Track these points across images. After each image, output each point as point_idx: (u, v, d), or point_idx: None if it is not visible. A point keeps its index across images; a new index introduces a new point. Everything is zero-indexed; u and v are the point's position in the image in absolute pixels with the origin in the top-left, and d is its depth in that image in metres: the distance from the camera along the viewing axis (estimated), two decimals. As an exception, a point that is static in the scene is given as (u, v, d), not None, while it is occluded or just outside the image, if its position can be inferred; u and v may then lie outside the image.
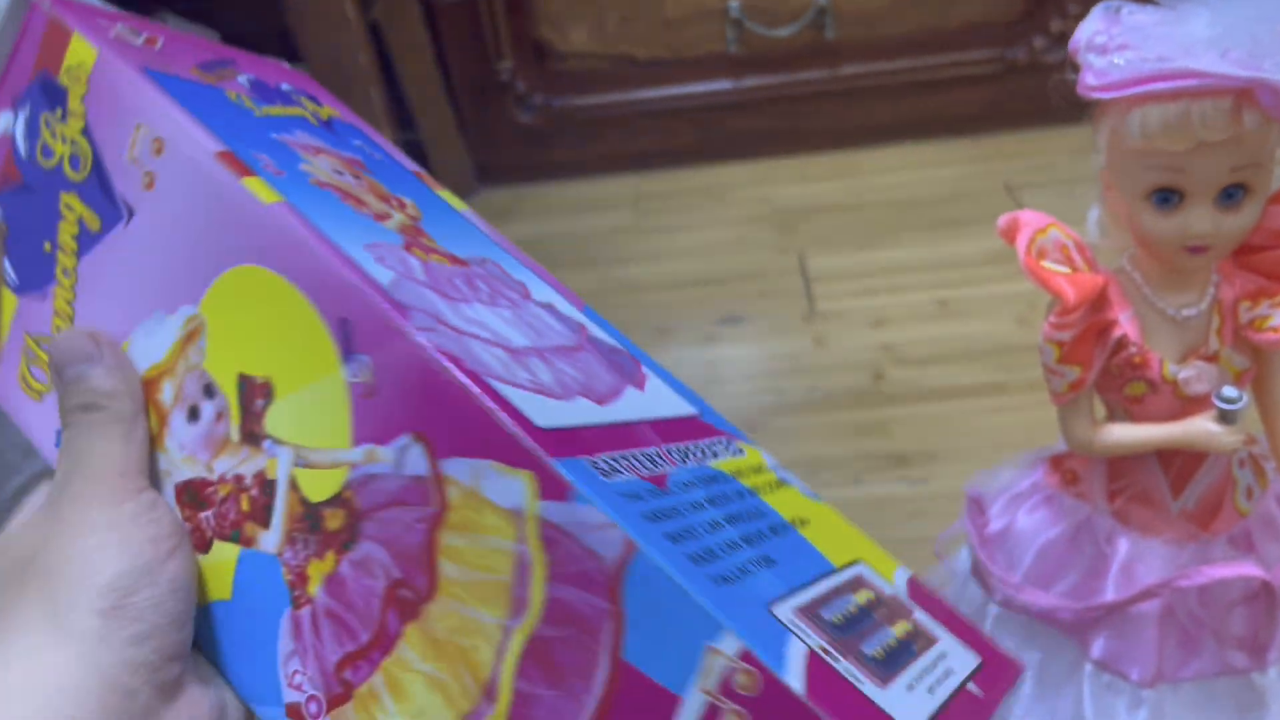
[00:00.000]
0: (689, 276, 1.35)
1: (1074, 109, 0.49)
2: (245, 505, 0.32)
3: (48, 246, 0.37)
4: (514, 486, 0.30)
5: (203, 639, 0.33)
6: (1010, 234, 0.52)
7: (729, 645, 0.25)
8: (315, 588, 0.31)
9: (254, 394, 0.34)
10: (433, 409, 0.31)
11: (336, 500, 0.32)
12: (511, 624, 0.30)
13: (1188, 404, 0.52)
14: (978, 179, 1.43)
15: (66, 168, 0.37)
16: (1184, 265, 0.50)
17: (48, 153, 0.37)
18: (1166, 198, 0.47)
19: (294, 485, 0.32)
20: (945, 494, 0.90)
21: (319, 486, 0.32)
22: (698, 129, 1.62)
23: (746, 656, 0.25)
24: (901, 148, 1.54)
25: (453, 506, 0.30)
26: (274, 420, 0.33)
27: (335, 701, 0.31)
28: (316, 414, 0.33)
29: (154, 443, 0.35)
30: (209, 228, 0.34)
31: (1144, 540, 0.55)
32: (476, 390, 0.29)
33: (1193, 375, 0.51)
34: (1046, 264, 0.50)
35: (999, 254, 1.28)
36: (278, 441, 0.33)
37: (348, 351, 0.32)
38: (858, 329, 1.18)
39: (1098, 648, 0.54)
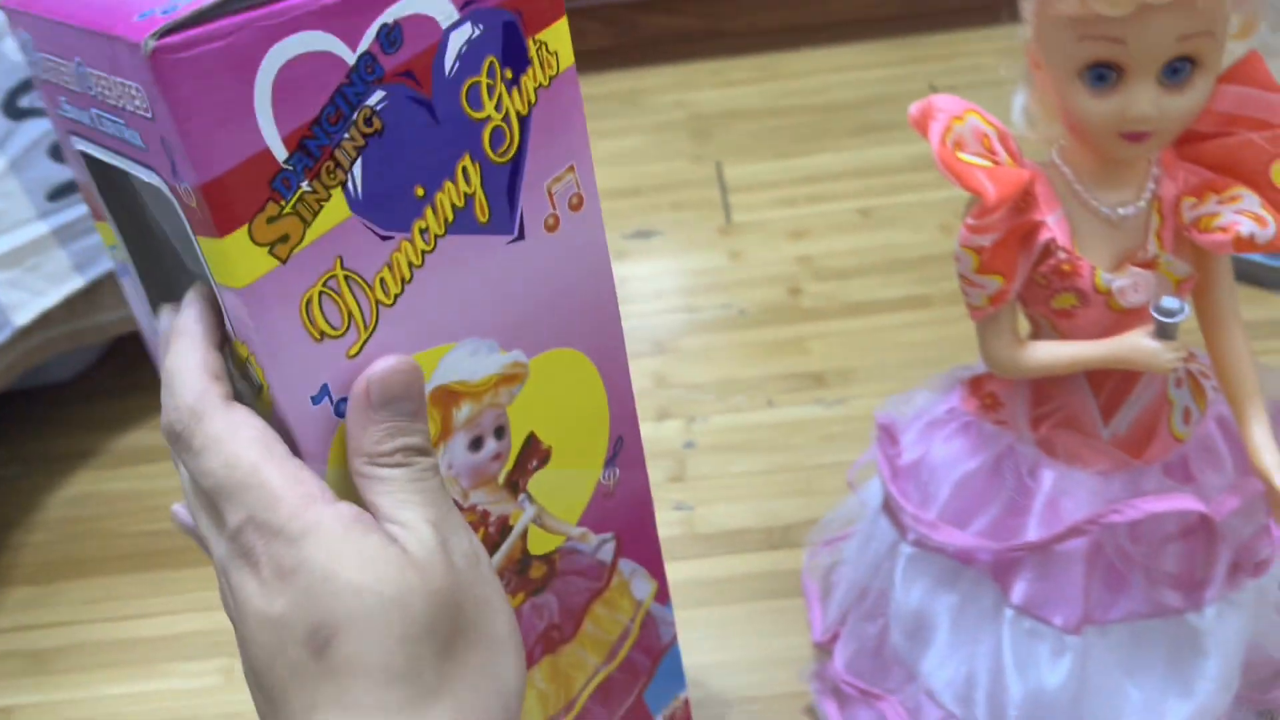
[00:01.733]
0: (602, 188, 1.25)
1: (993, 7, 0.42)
2: (480, 537, 0.35)
3: (420, 192, 0.32)
4: (646, 588, 0.46)
5: None
6: (923, 123, 0.44)
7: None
8: None
9: (534, 454, 0.38)
10: (632, 527, 0.43)
11: (546, 558, 0.40)
12: (602, 667, 0.44)
13: (1122, 317, 0.46)
14: (902, 82, 1.35)
15: (487, 137, 0.33)
16: (1121, 155, 0.43)
17: (476, 101, 0.33)
18: (1103, 75, 0.40)
19: (523, 536, 0.39)
20: (862, 416, 0.84)
21: (541, 543, 0.39)
22: (611, 29, 1.51)
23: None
24: (823, 50, 1.45)
25: (611, 588, 0.43)
26: (537, 481, 0.38)
27: None
28: (568, 491, 0.40)
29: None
30: (578, 306, 0.37)
31: (1071, 471, 0.49)
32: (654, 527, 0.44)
33: (1128, 284, 0.44)
34: (964, 156, 0.43)
35: (924, 159, 1.20)
36: (531, 499, 0.38)
37: (611, 460, 0.40)
38: (776, 241, 1.11)
39: (1019, 591, 0.49)
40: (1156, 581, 0.48)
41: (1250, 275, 0.92)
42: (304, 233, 0.30)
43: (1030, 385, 0.50)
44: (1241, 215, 0.41)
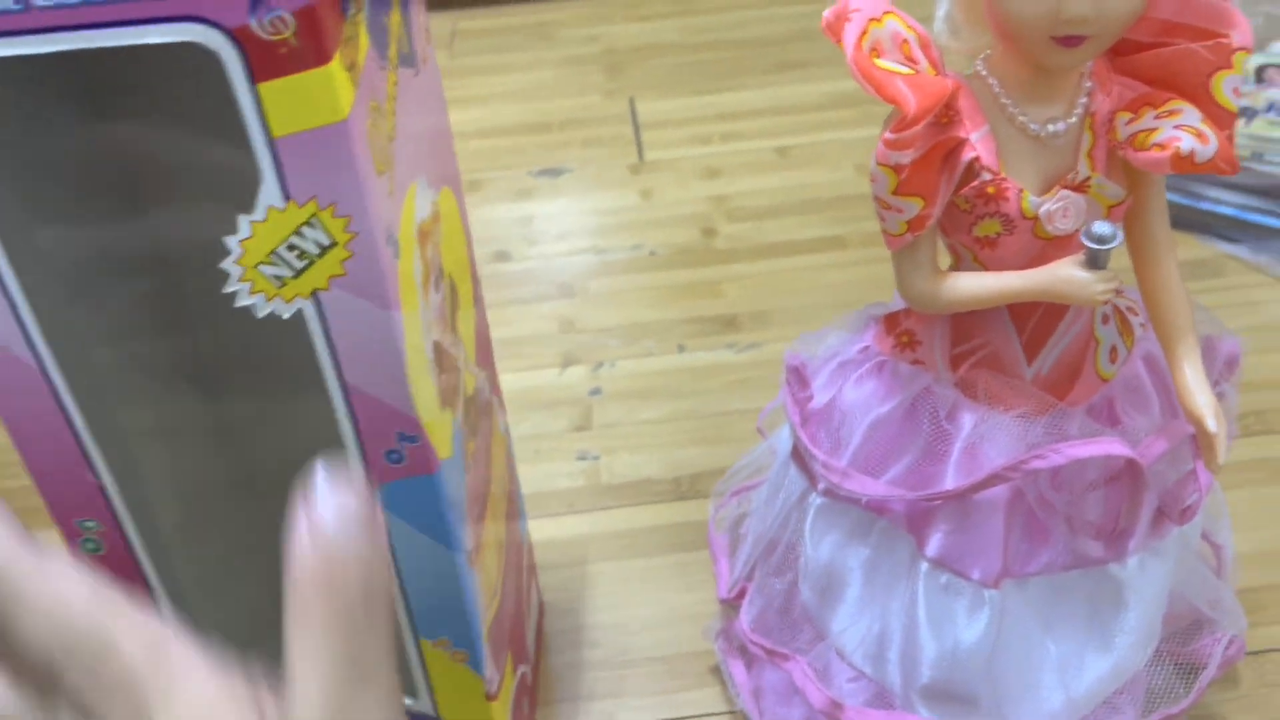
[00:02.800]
0: (506, 124, 1.19)
1: None
2: (454, 382, 0.38)
3: (384, 20, 0.32)
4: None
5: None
6: (836, 26, 0.39)
7: None
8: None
9: (454, 293, 0.39)
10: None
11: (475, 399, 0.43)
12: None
13: (1049, 246, 0.42)
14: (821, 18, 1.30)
15: None
16: (1053, 63, 0.39)
17: None
18: (1036, -31, 0.36)
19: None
20: (776, 360, 0.79)
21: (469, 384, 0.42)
22: (520, -42, 1.43)
23: None
24: (743, -18, 1.40)
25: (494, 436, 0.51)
26: (461, 322, 0.40)
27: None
28: (467, 331, 0.41)
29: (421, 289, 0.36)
30: (444, 143, 0.39)
31: (991, 414, 0.45)
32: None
33: (1057, 209, 0.41)
34: (881, 63, 0.38)
35: (843, 97, 1.17)
36: (458, 341, 0.40)
37: (476, 299, 0.43)
38: (689, 180, 1.06)
39: (935, 543, 0.45)
40: (1078, 531, 0.45)
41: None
42: (356, 58, 0.28)
43: (949, 322, 0.47)
44: (1181, 130, 0.38)
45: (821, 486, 0.47)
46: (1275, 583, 0.62)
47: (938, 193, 0.40)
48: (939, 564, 0.45)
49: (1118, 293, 0.47)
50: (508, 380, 0.84)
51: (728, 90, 1.19)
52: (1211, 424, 0.41)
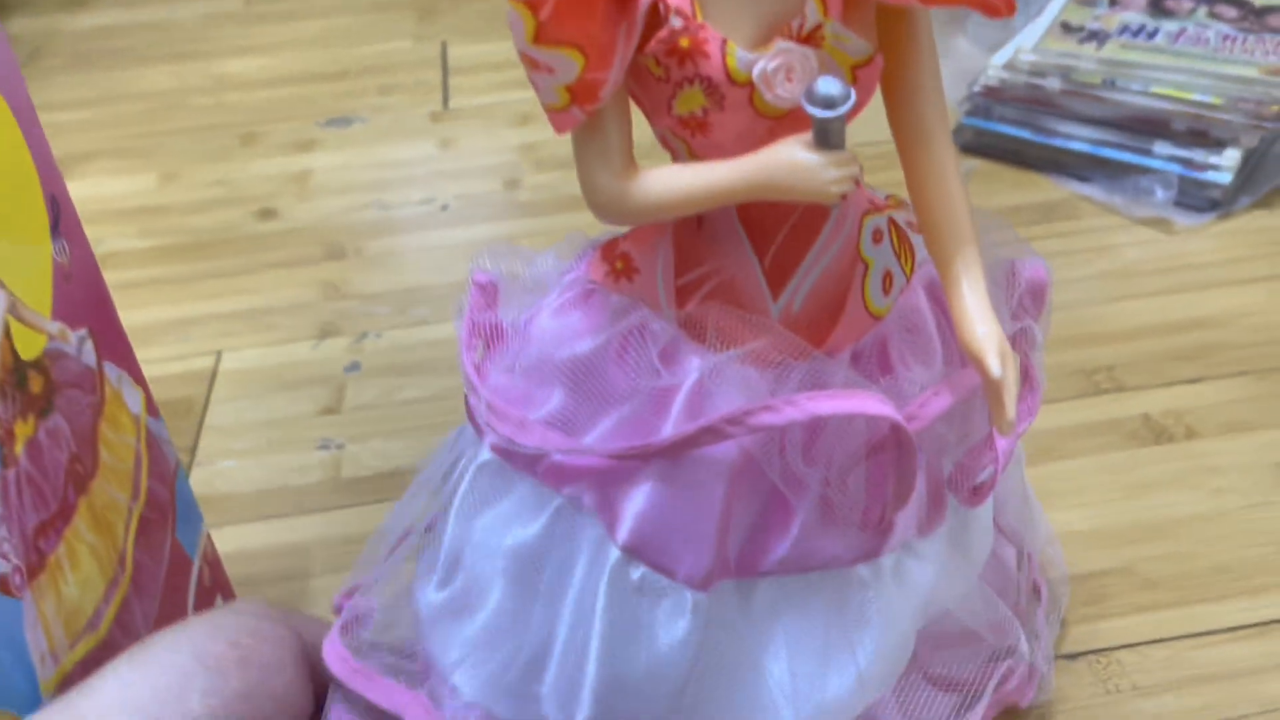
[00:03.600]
0: (295, 72, 1.05)
1: None
2: None
3: None
4: (137, 398, 0.42)
5: None
6: None
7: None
8: (19, 449, 0.34)
9: None
10: (101, 318, 0.40)
11: (38, 365, 0.35)
12: (133, 505, 0.40)
13: (780, 126, 0.30)
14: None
15: None
16: None
17: None
18: None
19: (8, 334, 0.34)
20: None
21: (27, 344, 0.35)
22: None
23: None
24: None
25: (108, 401, 0.40)
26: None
27: (33, 572, 0.34)
28: (28, 271, 0.35)
29: None
30: None
31: (726, 362, 0.33)
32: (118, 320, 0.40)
33: (777, 68, 0.29)
34: None
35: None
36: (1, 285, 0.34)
37: (55, 228, 0.37)
38: (496, 128, 0.93)
39: (630, 527, 0.33)
40: (837, 519, 0.34)
41: (1017, 155, 0.80)
42: None
43: (674, 245, 0.35)
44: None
45: (489, 438, 0.35)
46: (1120, 567, 0.52)
47: (604, 46, 0.28)
48: (633, 553, 0.33)
49: (895, 204, 0.36)
50: (250, 356, 0.70)
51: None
52: (993, 364, 0.29)
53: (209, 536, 0.49)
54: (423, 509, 0.40)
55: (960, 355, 0.35)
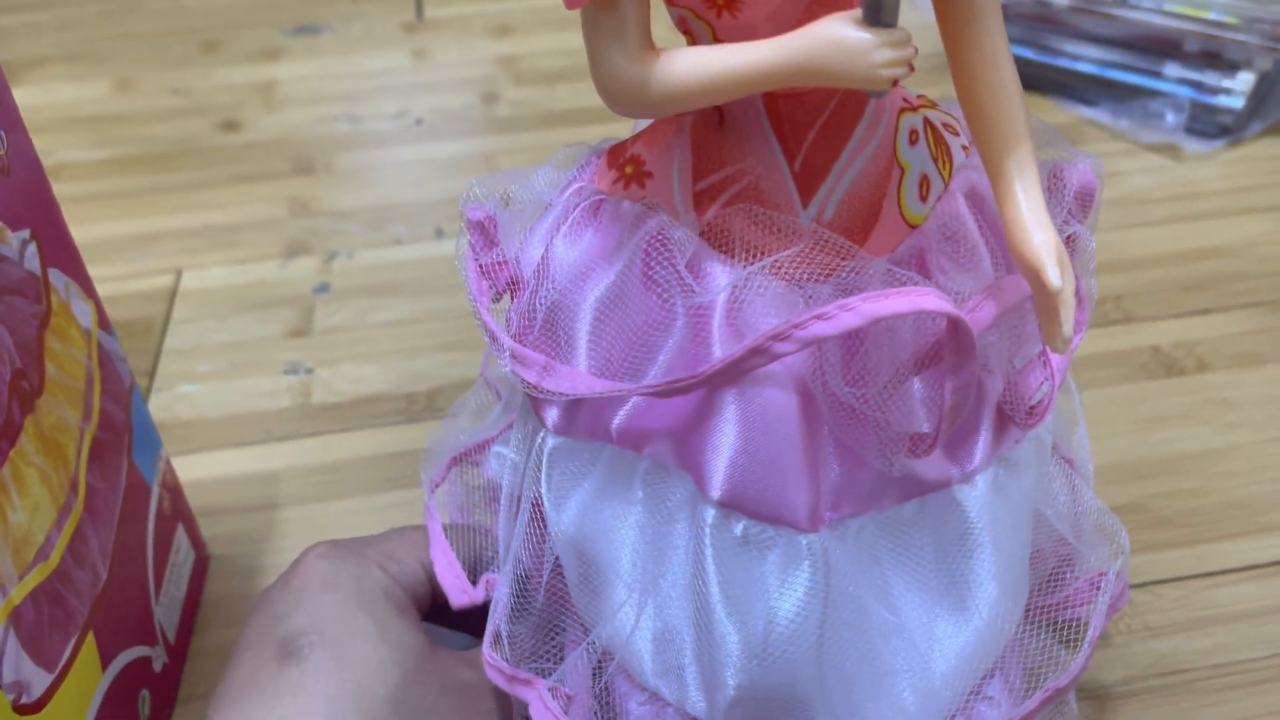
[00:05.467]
0: (260, -24, 0.99)
1: None
2: None
3: None
4: (87, 311, 0.39)
5: None
6: None
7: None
8: None
9: None
10: (43, 218, 0.36)
11: None
12: (85, 426, 0.37)
13: (815, 3, 0.27)
14: None
15: None
16: None
17: None
18: None
19: None
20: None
21: None
22: None
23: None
24: None
25: (55, 313, 0.36)
26: None
27: None
28: None
29: None
30: None
31: (753, 270, 0.30)
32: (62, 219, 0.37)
33: (821, -69, 0.25)
34: None
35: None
36: None
37: None
38: (473, 39, 0.88)
39: (720, 477, 0.30)
40: (892, 444, 0.31)
41: (1020, 77, 0.76)
42: None
43: (692, 145, 0.31)
44: None
45: (549, 419, 0.32)
46: (1130, 503, 0.50)
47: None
48: (731, 507, 0.30)
49: (926, 104, 0.33)
50: (213, 275, 0.66)
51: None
52: (1053, 274, 0.26)
53: (168, 461, 0.46)
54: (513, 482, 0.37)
55: (1007, 266, 0.32)
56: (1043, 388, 0.31)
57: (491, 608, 0.36)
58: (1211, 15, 0.70)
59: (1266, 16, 0.69)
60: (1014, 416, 0.33)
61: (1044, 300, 0.27)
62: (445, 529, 0.40)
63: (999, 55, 0.29)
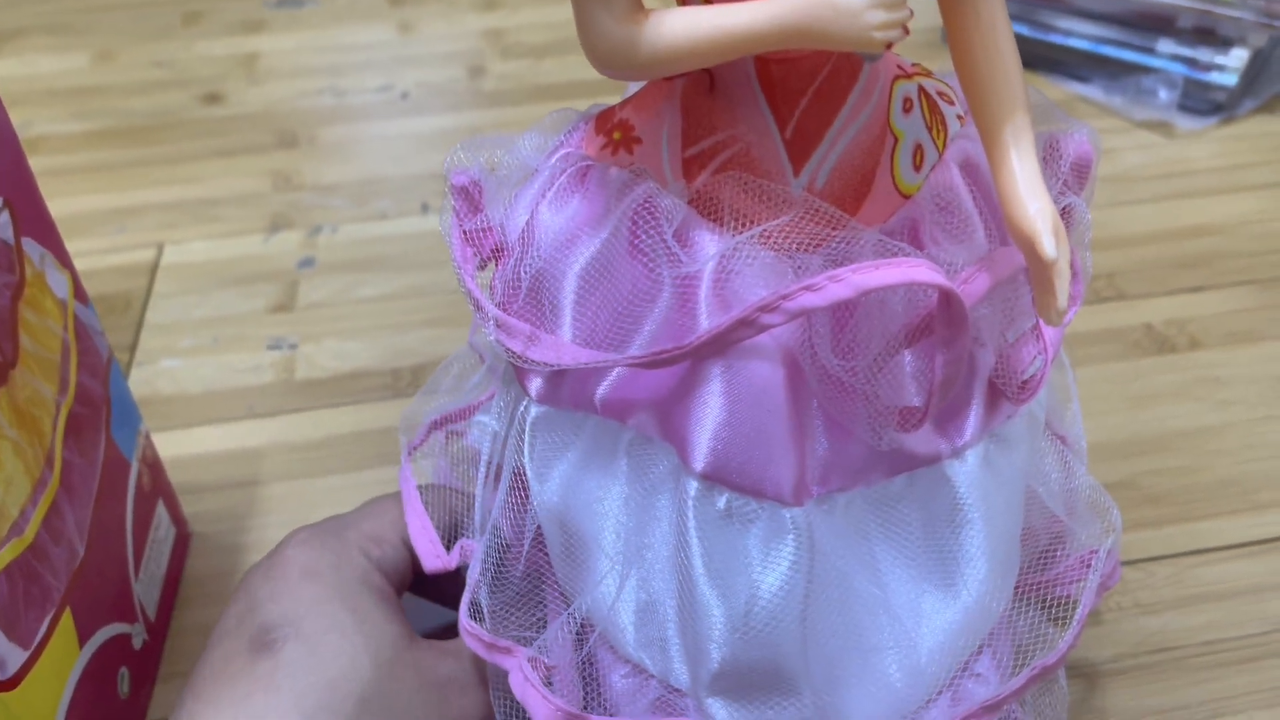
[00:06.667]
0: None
1: None
2: None
3: None
4: (63, 282, 0.38)
5: None
6: None
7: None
8: None
9: None
10: (14, 182, 0.35)
11: None
12: (61, 400, 0.37)
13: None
14: None
15: None
16: None
17: None
18: None
19: None
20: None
21: None
22: None
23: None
24: None
25: (29, 283, 0.36)
26: None
27: None
28: None
29: None
30: None
31: (748, 242, 0.29)
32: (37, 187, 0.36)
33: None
34: None
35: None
36: None
37: None
38: (460, 12, 0.87)
39: (704, 449, 0.29)
40: (881, 417, 0.30)
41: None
42: None
43: (682, 110, 0.31)
44: None
45: (532, 388, 0.31)
46: (1122, 480, 0.50)
47: None
48: (714, 479, 0.30)
49: (920, 71, 0.33)
50: (194, 249, 0.65)
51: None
52: (1047, 244, 0.26)
53: (148, 436, 0.45)
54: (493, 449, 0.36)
55: (1001, 237, 0.31)
56: (1036, 362, 0.31)
57: (469, 575, 0.36)
58: (1206, -10, 0.69)
59: (1261, -8, 0.69)
60: (1006, 391, 0.32)
61: (1038, 271, 0.27)
62: (421, 490, 0.40)
63: (996, 21, 0.28)
